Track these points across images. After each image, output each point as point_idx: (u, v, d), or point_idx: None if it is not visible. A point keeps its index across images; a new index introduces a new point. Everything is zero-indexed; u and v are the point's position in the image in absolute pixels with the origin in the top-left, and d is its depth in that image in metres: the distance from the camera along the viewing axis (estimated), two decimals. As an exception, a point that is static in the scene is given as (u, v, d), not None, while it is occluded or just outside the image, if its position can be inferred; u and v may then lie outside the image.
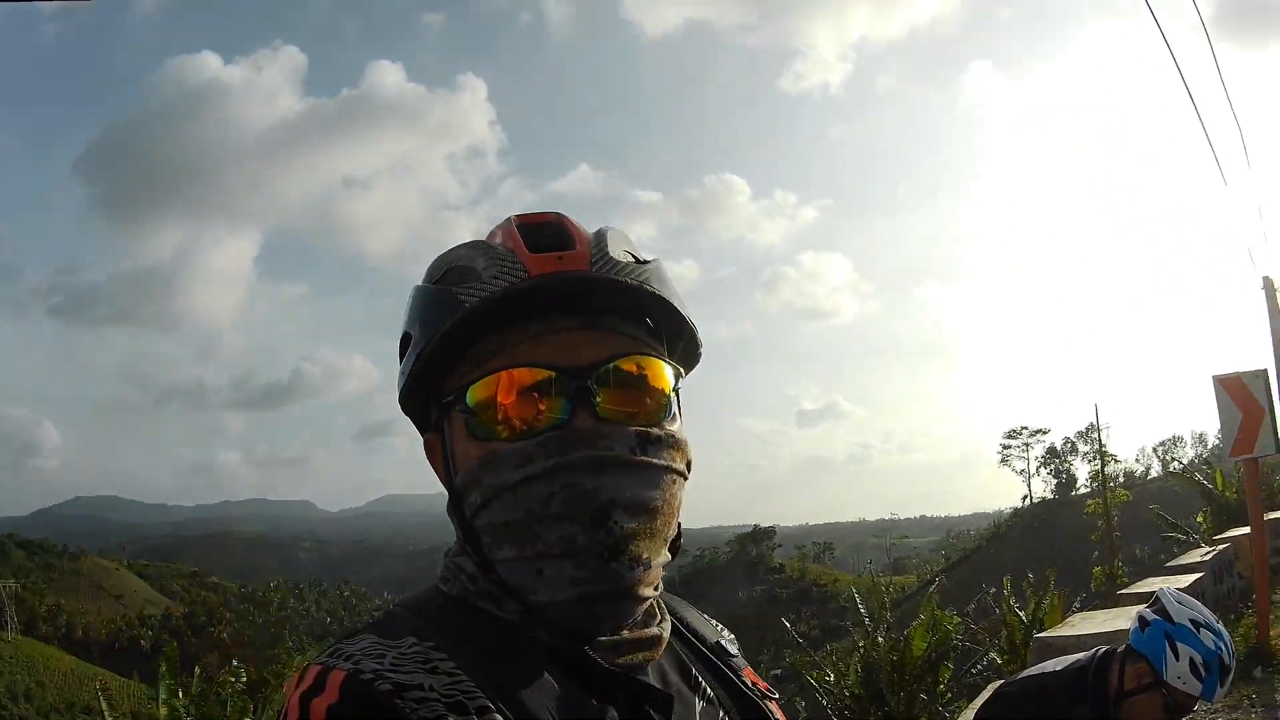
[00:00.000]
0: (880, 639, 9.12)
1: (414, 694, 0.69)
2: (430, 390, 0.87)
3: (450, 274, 0.84)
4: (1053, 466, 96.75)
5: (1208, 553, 10.51)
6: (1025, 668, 2.52)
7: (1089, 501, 31.32)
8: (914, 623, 9.40)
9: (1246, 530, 8.85)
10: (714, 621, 1.00)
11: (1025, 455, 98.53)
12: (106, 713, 10.82)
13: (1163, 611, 2.22)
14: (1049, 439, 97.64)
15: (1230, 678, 2.18)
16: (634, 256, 0.85)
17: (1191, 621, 2.17)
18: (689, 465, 0.85)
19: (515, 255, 0.81)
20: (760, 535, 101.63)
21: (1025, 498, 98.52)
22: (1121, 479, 79.61)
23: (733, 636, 0.99)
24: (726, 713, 0.88)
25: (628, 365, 0.82)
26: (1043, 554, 57.32)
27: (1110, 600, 10.47)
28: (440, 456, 0.87)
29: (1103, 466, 31.29)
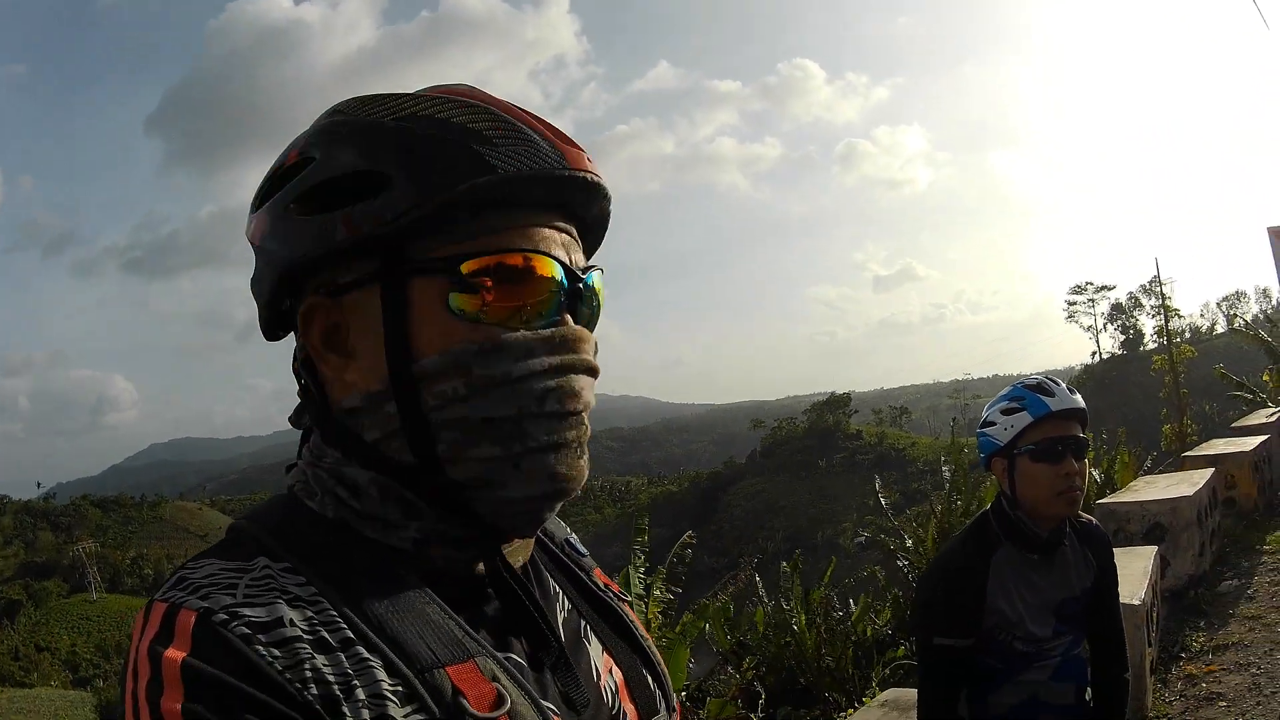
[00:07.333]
0: (956, 502, 8.57)
1: (275, 634, 0.62)
2: (378, 247, 0.72)
3: (451, 128, 0.72)
4: (1119, 322, 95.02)
5: (1273, 413, 10.57)
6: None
7: (1155, 358, 30.96)
8: (985, 484, 8.76)
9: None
10: (559, 520, 0.94)
11: (1091, 311, 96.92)
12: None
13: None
14: (1114, 295, 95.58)
15: (1058, 384, 2.17)
16: None
17: (986, 410, 2.26)
18: None
19: (549, 140, 0.74)
20: (836, 402, 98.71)
21: (1094, 354, 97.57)
22: (1187, 335, 77.97)
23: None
24: (583, 616, 0.85)
25: (599, 277, 0.80)
26: (1114, 412, 57.26)
27: (1176, 463, 10.24)
28: (370, 327, 0.73)
29: (1166, 321, 30.09)
